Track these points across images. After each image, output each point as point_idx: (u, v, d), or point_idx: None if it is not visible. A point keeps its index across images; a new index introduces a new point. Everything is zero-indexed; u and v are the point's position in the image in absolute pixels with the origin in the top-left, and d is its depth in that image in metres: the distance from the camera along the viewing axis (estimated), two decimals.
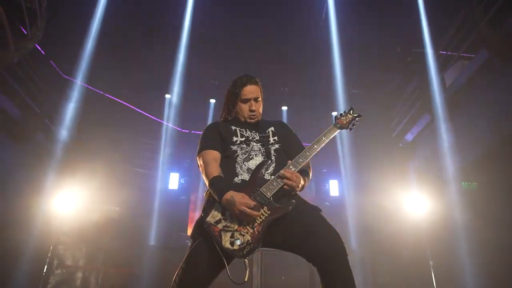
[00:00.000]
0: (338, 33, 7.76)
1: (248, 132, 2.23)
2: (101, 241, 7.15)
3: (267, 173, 2.04)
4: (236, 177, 2.04)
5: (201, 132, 2.34)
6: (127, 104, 8.56)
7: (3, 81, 5.30)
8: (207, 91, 8.96)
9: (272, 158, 2.12)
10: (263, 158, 2.11)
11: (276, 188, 1.94)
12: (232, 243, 1.84)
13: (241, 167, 2.07)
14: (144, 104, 8.81)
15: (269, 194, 1.92)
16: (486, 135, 6.01)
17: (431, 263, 6.38)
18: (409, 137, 7.77)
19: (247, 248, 1.83)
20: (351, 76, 8.30)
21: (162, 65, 8.06)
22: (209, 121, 8.92)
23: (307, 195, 9.16)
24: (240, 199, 1.84)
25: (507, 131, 5.74)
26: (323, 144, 2.08)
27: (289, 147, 2.25)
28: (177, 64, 7.98)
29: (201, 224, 1.94)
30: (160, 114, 8.86)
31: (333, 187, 8.80)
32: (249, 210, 1.82)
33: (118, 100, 8.44)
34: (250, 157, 2.11)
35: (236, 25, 7.67)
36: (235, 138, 2.18)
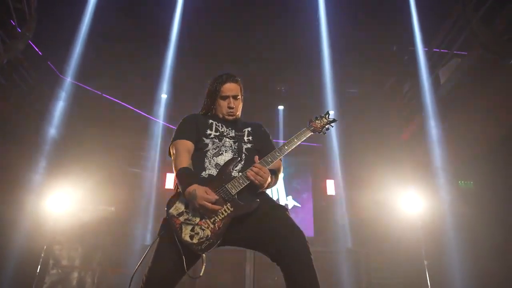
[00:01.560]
0: (333, 32, 7.71)
1: (224, 128, 2.24)
2: (97, 241, 7.17)
3: (235, 170, 2.06)
4: (204, 171, 2.06)
5: None
6: (122, 103, 8.56)
7: None
8: (202, 90, 8.90)
9: (242, 156, 2.13)
10: (233, 155, 2.12)
11: (242, 185, 1.95)
12: (191, 237, 1.86)
13: (209, 162, 2.09)
14: (140, 103, 8.81)
15: (234, 191, 1.93)
16: (482, 133, 5.98)
17: (425, 262, 6.34)
18: (405, 135, 7.73)
19: (206, 243, 1.85)
20: (347, 75, 8.27)
21: (157, 64, 8.05)
22: None
23: (304, 194, 9.16)
24: (201, 194, 1.85)
25: (503, 130, 5.70)
26: (294, 146, 2.09)
27: (263, 148, 2.25)
28: (172, 64, 7.97)
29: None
30: (155, 113, 8.85)
31: (329, 187, 8.77)
32: (209, 205, 1.84)
33: (114, 99, 8.45)
34: (220, 152, 2.12)
35: (231, 25, 7.64)
36: (209, 131, 2.20)
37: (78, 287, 6.91)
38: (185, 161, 2.04)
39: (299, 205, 8.85)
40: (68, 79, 6.86)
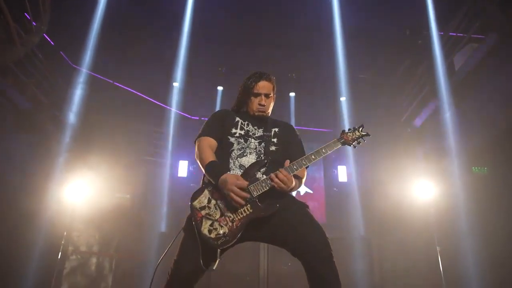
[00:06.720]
0: (345, 17, 7.61)
1: (250, 127, 2.29)
2: (114, 228, 7.35)
3: (260, 172, 2.10)
4: (229, 172, 2.09)
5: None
6: (135, 92, 8.62)
7: (12, 74, 5.40)
8: (214, 78, 8.95)
9: (268, 158, 2.15)
10: (256, 157, 2.15)
11: (264, 189, 1.99)
12: (210, 231, 1.93)
13: (234, 163, 2.14)
14: (153, 92, 8.87)
15: (255, 194, 1.98)
16: (496, 120, 5.90)
17: (438, 249, 6.38)
18: (418, 122, 7.68)
19: (222, 239, 1.92)
20: (358, 60, 8.17)
21: (169, 52, 8.06)
22: (217, 108, 8.93)
23: (316, 180, 9.20)
24: (232, 179, 1.93)
25: None
26: (322, 156, 2.10)
27: (289, 152, 2.27)
28: (185, 52, 7.97)
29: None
30: (168, 102, 8.90)
31: (342, 173, 8.78)
32: (237, 190, 1.91)
33: (127, 88, 8.51)
34: (244, 154, 2.17)
35: (242, 11, 7.58)
36: (234, 130, 2.24)
37: (96, 272, 7.12)
38: (211, 156, 2.10)
39: (311, 191, 8.91)
40: (84, 70, 6.90)
